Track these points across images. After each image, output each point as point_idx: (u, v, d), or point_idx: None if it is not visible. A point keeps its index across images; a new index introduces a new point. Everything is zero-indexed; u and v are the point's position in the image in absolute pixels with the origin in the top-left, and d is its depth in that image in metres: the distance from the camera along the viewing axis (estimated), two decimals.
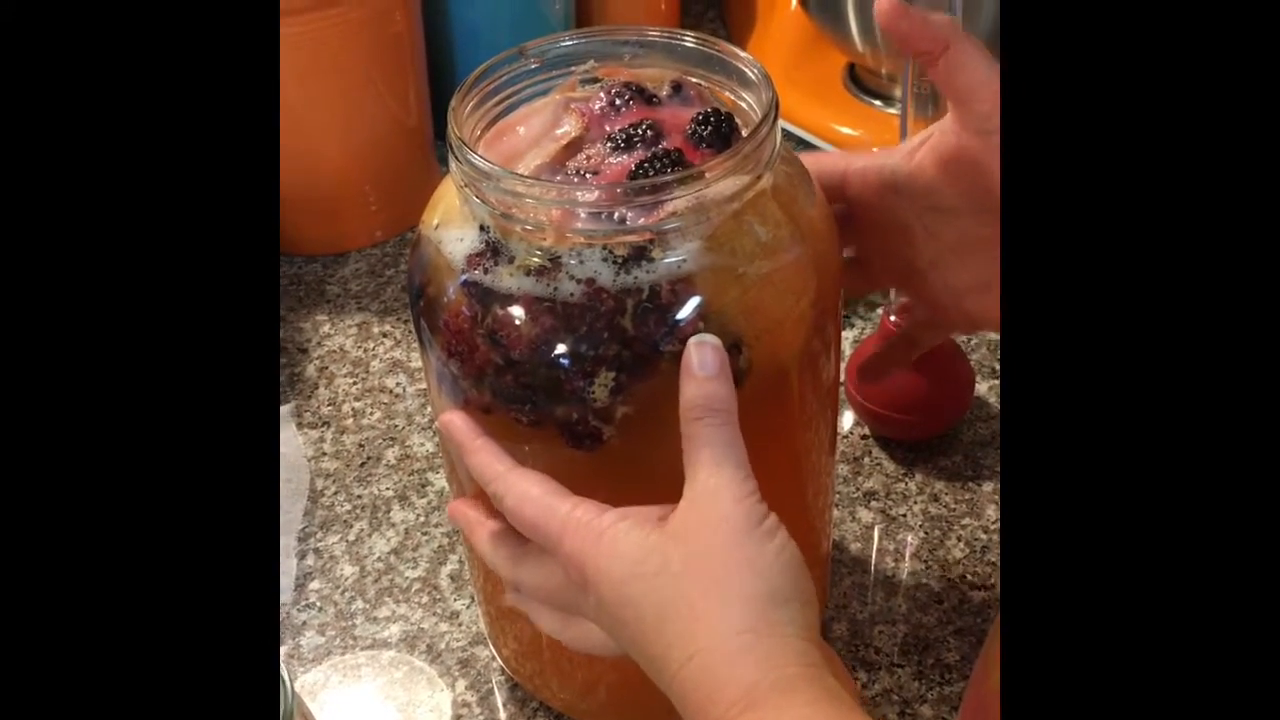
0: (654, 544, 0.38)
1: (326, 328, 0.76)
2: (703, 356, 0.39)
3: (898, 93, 0.88)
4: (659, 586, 0.37)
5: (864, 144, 0.85)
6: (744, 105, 0.44)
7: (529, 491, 0.41)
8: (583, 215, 0.39)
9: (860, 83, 0.91)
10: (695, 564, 0.37)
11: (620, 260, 0.39)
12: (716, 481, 0.38)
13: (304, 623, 0.59)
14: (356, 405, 0.70)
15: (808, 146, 0.83)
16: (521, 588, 0.43)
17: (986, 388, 0.68)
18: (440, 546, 0.62)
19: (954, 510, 0.61)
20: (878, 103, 0.89)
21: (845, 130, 0.87)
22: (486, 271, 0.40)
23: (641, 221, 0.39)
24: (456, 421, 0.43)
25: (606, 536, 0.38)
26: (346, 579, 0.61)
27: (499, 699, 0.55)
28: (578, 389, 0.40)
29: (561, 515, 0.39)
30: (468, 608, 0.59)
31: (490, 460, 0.42)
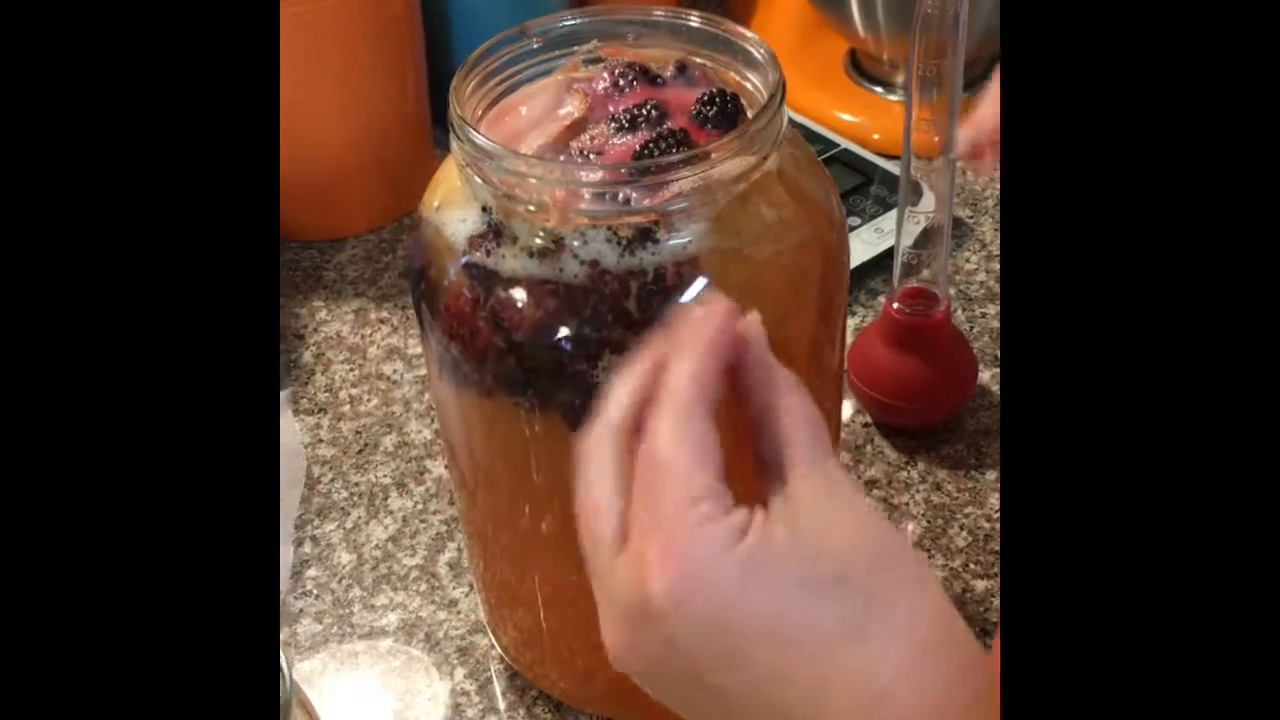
0: (819, 547, 0.32)
1: (323, 314, 0.75)
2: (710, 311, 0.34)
3: (899, 79, 0.88)
4: (837, 596, 0.31)
5: (864, 131, 0.84)
6: (749, 86, 0.44)
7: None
8: (587, 196, 0.39)
9: (861, 69, 0.90)
10: (879, 580, 0.32)
11: (624, 242, 0.39)
12: (849, 495, 0.33)
13: (301, 610, 0.58)
14: (353, 392, 0.70)
15: (808, 133, 0.83)
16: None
17: (989, 375, 0.67)
18: (438, 534, 0.61)
19: (956, 499, 0.61)
20: (879, 89, 0.88)
21: (846, 117, 0.86)
22: (488, 253, 0.40)
23: (646, 203, 0.39)
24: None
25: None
26: (344, 567, 0.60)
27: (498, 688, 0.54)
28: (581, 372, 0.39)
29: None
30: (466, 596, 0.58)
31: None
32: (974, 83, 0.85)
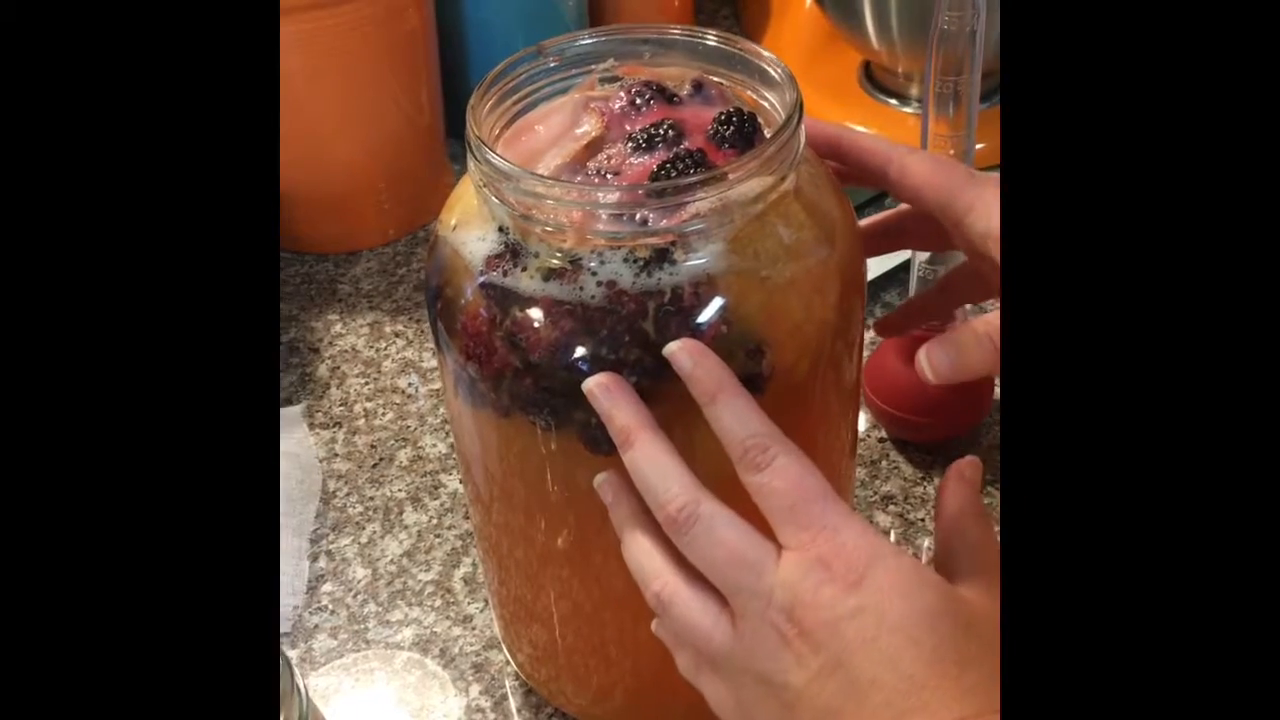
0: (952, 592, 0.37)
1: (338, 327, 0.76)
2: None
3: (914, 91, 0.87)
4: (968, 634, 0.36)
5: None
6: (766, 105, 0.44)
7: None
8: (604, 217, 0.39)
9: (876, 81, 0.90)
10: (990, 621, 0.37)
11: (642, 262, 0.39)
12: (894, 547, 0.37)
13: (316, 626, 0.58)
14: (368, 405, 0.70)
15: None
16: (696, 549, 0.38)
17: None
18: (454, 549, 0.61)
19: None
20: (893, 101, 0.88)
21: (860, 129, 0.85)
22: (505, 273, 0.40)
23: (664, 223, 0.38)
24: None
25: (897, 549, 0.37)
26: (359, 582, 0.60)
27: (513, 704, 0.54)
28: None
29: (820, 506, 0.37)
30: (481, 611, 0.58)
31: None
32: (990, 95, 0.85)
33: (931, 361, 0.45)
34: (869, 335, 0.71)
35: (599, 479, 0.41)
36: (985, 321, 0.44)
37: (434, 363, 0.72)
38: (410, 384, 0.71)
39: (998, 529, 0.59)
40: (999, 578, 0.38)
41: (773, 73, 0.43)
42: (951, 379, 0.44)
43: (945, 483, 0.42)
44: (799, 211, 0.41)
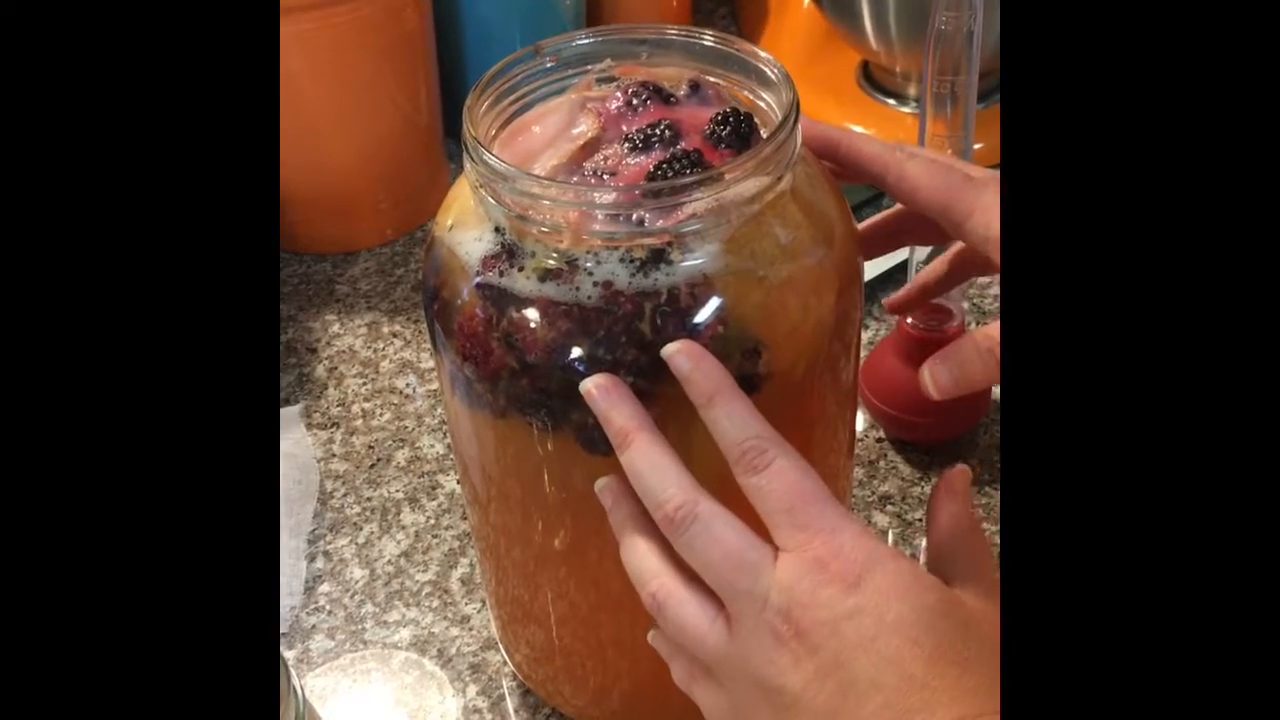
0: (950, 595, 0.37)
1: (336, 327, 0.76)
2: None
3: (912, 91, 0.87)
4: (967, 636, 0.36)
5: None
6: (763, 105, 0.44)
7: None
8: (600, 217, 0.39)
9: (874, 81, 0.90)
10: (988, 623, 0.37)
11: (638, 263, 0.38)
12: (891, 549, 0.37)
13: (313, 626, 0.58)
14: (366, 406, 0.70)
15: None
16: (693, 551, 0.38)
17: None
18: (451, 550, 0.61)
19: None
20: (891, 101, 0.88)
21: (858, 128, 0.85)
22: (502, 274, 0.40)
23: (660, 224, 0.38)
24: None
25: (894, 552, 0.37)
26: (356, 582, 0.60)
27: (510, 705, 0.54)
28: None
29: (817, 509, 0.37)
30: (479, 612, 0.58)
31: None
32: (987, 96, 0.85)
33: (934, 378, 0.45)
34: (867, 335, 0.71)
35: (600, 484, 0.41)
36: (986, 335, 0.44)
37: (432, 363, 0.72)
38: (408, 384, 0.71)
39: (992, 530, 0.59)
40: (994, 582, 0.38)
41: (769, 73, 0.43)
42: (954, 394, 0.45)
43: (936, 493, 0.42)
44: (796, 212, 0.41)
